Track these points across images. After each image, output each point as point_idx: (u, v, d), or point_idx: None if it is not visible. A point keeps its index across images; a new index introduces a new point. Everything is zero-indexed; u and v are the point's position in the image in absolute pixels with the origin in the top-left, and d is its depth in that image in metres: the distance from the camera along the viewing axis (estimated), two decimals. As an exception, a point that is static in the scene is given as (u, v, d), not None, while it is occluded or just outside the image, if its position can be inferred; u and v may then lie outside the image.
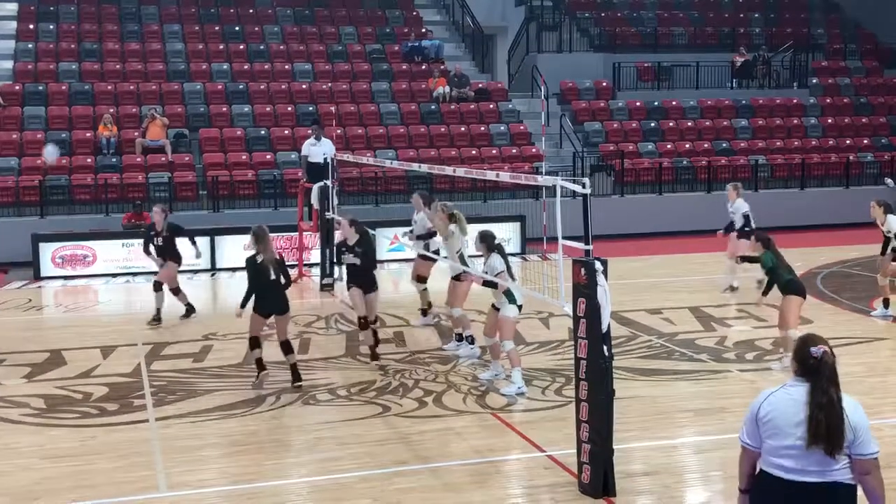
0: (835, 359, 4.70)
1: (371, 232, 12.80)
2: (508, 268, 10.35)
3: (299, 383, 10.65)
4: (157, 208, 14.53)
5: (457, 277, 12.30)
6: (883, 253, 13.98)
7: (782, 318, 10.97)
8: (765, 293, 11.47)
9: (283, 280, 10.55)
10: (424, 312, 13.93)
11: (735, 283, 15.59)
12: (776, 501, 4.71)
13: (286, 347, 10.71)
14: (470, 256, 12.47)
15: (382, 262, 19.66)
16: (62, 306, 16.51)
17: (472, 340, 12.07)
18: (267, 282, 10.44)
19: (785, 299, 10.98)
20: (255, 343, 10.70)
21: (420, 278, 13.89)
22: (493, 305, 10.63)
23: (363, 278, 11.76)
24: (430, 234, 13.54)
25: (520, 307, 10.41)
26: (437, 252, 13.26)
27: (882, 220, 13.88)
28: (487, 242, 10.44)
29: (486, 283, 10.56)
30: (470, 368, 11.39)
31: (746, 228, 15.13)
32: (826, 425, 4.55)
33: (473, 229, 18.06)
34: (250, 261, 10.58)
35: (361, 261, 11.69)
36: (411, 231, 14.07)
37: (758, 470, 4.87)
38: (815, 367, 4.67)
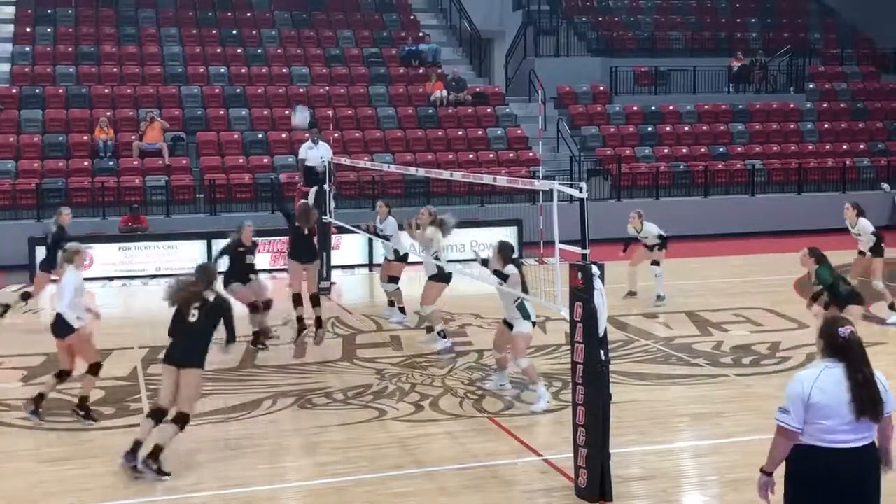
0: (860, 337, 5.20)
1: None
2: (523, 281, 9.86)
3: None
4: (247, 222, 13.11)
5: (432, 277, 12.52)
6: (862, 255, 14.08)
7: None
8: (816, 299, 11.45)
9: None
10: (402, 310, 14.25)
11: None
12: (833, 470, 5.13)
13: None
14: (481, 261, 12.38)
15: (378, 265, 19.71)
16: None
17: (444, 335, 12.38)
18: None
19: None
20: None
21: (391, 279, 14.38)
22: (504, 321, 10.30)
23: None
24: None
25: (534, 323, 10.18)
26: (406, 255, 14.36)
27: (854, 223, 13.94)
28: (505, 254, 9.98)
29: (484, 263, 10.52)
30: (466, 373, 11.38)
31: None
32: (870, 398, 5.05)
33: (470, 233, 18.17)
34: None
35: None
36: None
37: (799, 447, 5.22)
38: (845, 347, 5.12)
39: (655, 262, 15.48)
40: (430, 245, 12.44)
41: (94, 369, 9.74)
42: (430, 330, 12.76)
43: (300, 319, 12.82)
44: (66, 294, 9.43)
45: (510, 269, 9.89)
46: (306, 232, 12.96)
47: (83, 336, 9.53)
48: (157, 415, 8.34)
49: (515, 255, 10.25)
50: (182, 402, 8.30)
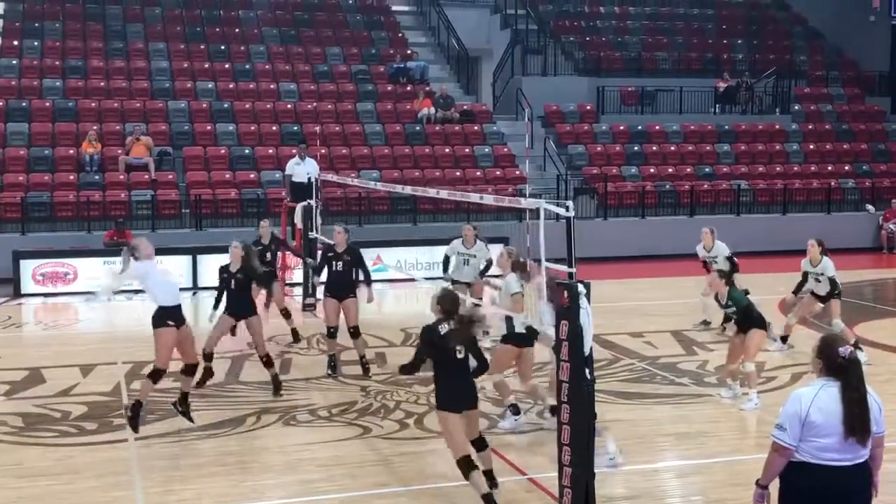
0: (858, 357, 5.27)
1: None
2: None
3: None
4: (339, 228, 12.44)
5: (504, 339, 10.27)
6: (797, 293, 13.31)
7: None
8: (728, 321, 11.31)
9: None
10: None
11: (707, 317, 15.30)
12: (825, 487, 5.20)
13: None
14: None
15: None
16: (42, 324, 16.40)
17: (516, 410, 10.31)
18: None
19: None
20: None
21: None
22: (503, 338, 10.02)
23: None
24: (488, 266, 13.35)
25: (524, 334, 9.58)
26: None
27: (817, 261, 12.94)
28: (514, 259, 9.84)
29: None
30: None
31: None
32: (861, 419, 5.09)
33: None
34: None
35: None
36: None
37: (792, 461, 5.26)
38: (845, 366, 5.15)
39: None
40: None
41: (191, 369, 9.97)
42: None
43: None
44: (157, 285, 9.67)
45: (509, 277, 9.66)
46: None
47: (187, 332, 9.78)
48: None
49: (523, 261, 9.83)
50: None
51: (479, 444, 7.85)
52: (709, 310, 14.76)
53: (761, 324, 10.93)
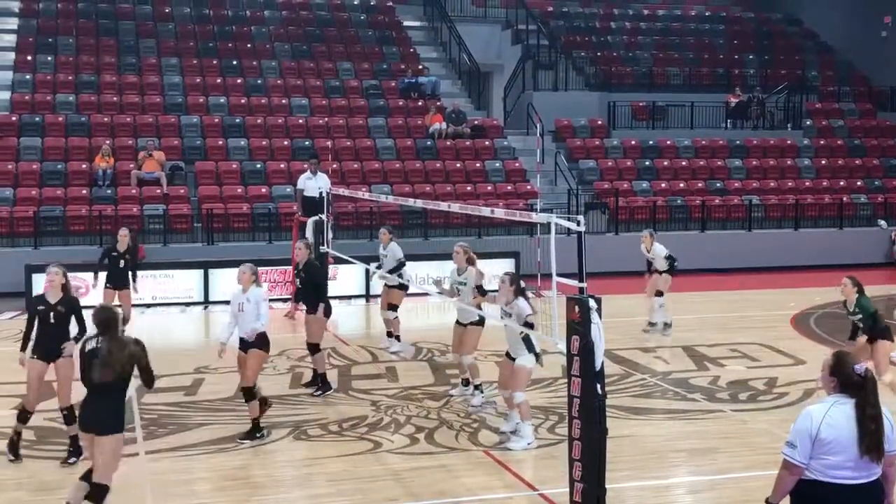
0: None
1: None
2: (533, 312, 9.63)
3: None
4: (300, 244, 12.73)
5: (472, 323, 11.39)
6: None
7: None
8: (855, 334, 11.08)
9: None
10: (398, 338, 14.31)
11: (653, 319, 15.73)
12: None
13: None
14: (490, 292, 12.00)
15: (376, 296, 19.67)
16: (54, 337, 16.40)
17: (481, 389, 11.51)
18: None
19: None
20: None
21: (391, 306, 14.40)
22: (507, 354, 10.05)
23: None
24: (401, 265, 14.38)
25: (538, 356, 9.81)
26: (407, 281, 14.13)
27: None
28: (516, 285, 9.79)
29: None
30: (462, 405, 11.33)
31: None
32: (876, 437, 5.06)
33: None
34: None
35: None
36: (379, 266, 14.62)
37: (803, 479, 5.21)
38: (861, 384, 5.11)
39: (659, 293, 15.51)
40: (469, 284, 11.57)
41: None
42: (466, 382, 11.70)
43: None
44: (264, 310, 10.04)
45: (520, 302, 9.65)
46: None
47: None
48: None
49: (524, 286, 9.96)
50: None
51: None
52: (655, 313, 15.63)
53: (888, 334, 10.84)
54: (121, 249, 14.85)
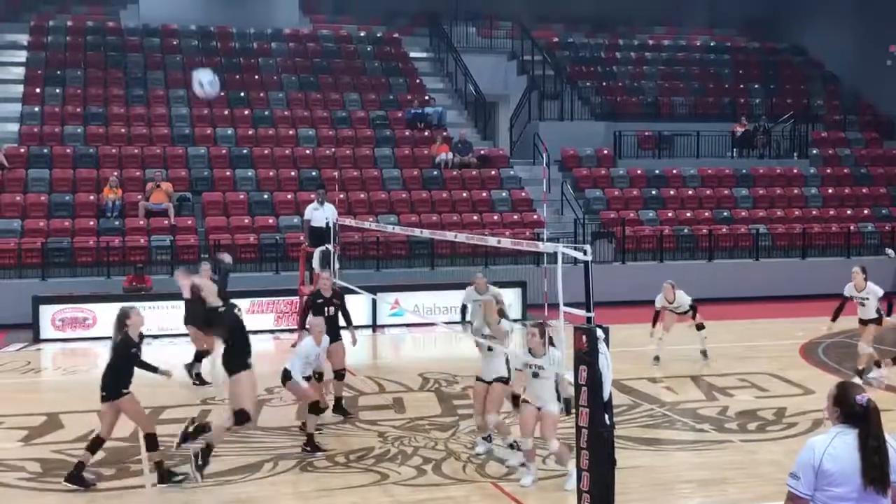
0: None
1: None
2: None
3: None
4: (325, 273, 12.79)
5: (495, 380, 10.32)
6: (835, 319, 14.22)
7: None
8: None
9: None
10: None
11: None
12: None
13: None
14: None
15: (382, 326, 19.69)
16: (60, 369, 16.44)
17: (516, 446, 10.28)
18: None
19: None
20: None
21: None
22: (524, 400, 9.61)
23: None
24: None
25: (567, 402, 9.07)
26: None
27: (862, 287, 13.95)
28: (546, 337, 9.18)
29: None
30: (469, 436, 11.27)
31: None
32: (880, 468, 4.92)
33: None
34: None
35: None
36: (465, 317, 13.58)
37: None
38: (863, 414, 5.00)
39: (700, 325, 15.63)
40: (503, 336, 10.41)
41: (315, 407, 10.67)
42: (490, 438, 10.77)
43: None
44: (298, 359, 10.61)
45: (554, 353, 9.18)
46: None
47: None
48: None
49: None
50: None
51: None
52: (661, 349, 15.63)
53: None
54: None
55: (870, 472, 4.93)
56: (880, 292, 14.05)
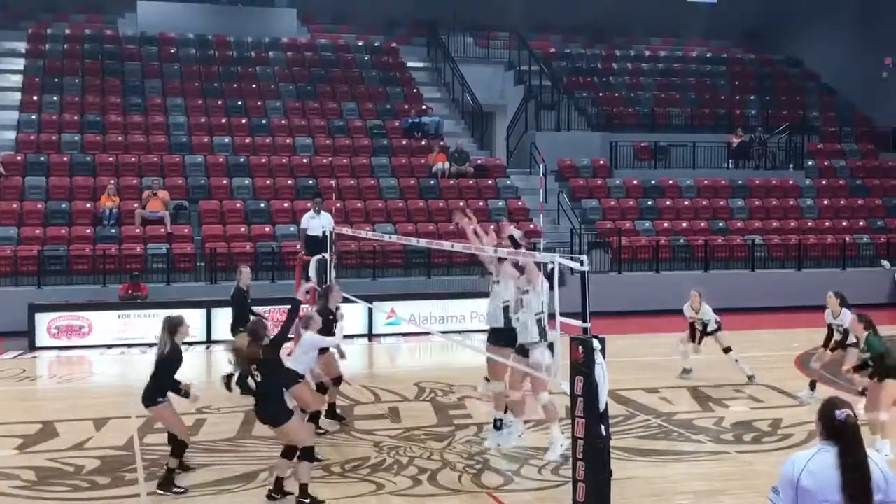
0: (858, 421, 4.95)
1: None
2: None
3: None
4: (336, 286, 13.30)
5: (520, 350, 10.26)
6: (826, 346, 13.67)
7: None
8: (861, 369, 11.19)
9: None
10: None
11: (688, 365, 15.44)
12: None
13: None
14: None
15: (378, 335, 19.70)
16: (56, 377, 16.41)
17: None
18: None
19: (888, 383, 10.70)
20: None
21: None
22: (519, 348, 9.72)
23: None
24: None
25: (552, 346, 9.13)
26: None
27: (837, 312, 13.42)
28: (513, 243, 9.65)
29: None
30: (465, 446, 11.26)
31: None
32: (860, 484, 4.82)
33: (470, 304, 18.00)
34: None
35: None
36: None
37: None
38: (840, 430, 4.91)
39: (727, 349, 15.16)
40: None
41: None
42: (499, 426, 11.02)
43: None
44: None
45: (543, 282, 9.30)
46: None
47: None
48: None
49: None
50: None
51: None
52: (687, 359, 15.33)
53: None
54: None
55: (849, 488, 4.83)
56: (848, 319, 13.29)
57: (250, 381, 9.20)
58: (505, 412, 10.91)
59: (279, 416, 9.05)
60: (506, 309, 10.00)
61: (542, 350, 9.51)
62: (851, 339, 13.15)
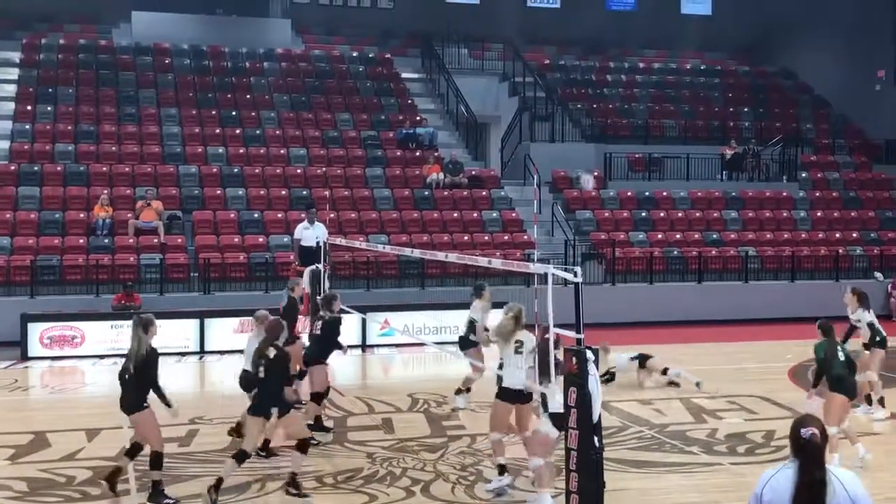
0: (825, 440, 4.90)
1: None
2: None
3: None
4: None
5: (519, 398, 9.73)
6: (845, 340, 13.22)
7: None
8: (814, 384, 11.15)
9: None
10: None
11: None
12: None
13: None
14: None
15: (372, 346, 19.67)
16: (48, 387, 16.36)
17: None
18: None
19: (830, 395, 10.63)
20: None
21: None
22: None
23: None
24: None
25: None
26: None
27: (854, 308, 13.49)
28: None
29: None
30: (458, 458, 11.24)
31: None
32: (810, 502, 4.76)
33: (464, 315, 17.94)
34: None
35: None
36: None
37: None
38: (803, 448, 4.90)
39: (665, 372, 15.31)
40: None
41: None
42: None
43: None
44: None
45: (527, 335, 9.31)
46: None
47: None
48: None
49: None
50: None
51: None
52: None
53: (838, 387, 10.57)
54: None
55: None
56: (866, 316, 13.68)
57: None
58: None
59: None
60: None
61: (548, 423, 8.86)
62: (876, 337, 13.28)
